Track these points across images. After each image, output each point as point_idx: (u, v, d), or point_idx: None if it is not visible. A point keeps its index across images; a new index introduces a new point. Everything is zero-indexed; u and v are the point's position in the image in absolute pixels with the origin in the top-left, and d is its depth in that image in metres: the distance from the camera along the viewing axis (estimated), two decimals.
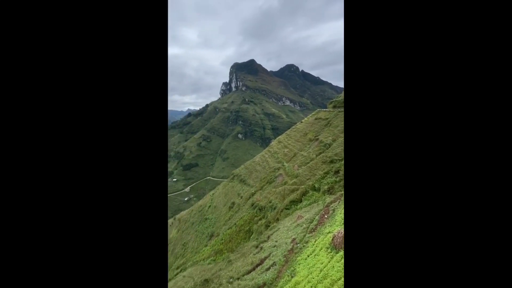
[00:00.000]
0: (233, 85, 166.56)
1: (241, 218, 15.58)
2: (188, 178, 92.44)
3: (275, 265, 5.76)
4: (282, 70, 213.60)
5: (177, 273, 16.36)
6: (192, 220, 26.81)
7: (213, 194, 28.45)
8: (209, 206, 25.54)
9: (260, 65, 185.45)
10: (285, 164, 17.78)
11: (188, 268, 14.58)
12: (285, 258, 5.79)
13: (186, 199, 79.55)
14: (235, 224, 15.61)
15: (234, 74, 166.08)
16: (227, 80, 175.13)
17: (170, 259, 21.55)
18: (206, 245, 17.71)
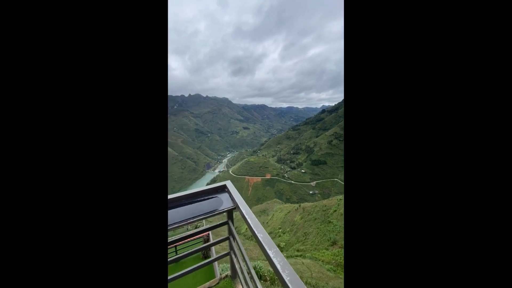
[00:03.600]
0: None
1: None
2: (315, 174, 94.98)
3: None
4: None
5: (297, 255, 18.41)
6: (315, 215, 27.42)
7: (340, 199, 25.70)
8: (335, 210, 23.60)
9: None
10: None
11: (307, 258, 15.49)
12: None
13: (311, 192, 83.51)
14: None
15: None
16: None
17: (292, 238, 24.95)
18: (327, 249, 16.96)
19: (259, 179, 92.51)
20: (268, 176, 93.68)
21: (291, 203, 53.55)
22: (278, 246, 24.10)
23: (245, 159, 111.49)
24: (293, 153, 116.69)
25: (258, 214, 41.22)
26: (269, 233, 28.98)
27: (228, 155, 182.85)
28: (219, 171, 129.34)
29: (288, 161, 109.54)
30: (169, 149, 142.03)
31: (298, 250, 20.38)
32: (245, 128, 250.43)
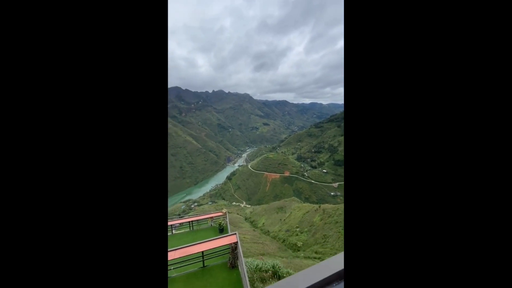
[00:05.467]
0: None
1: None
2: (338, 174, 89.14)
3: None
4: None
5: (315, 257, 17.71)
6: (336, 218, 25.79)
7: None
8: None
9: None
10: None
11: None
12: None
13: (332, 194, 79.08)
14: None
15: None
16: None
17: (310, 239, 24.11)
18: None
19: (277, 175, 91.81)
20: (287, 174, 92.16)
21: (310, 203, 51.65)
22: (295, 245, 23.58)
23: (264, 155, 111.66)
24: (315, 152, 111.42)
25: (275, 211, 41.07)
26: (286, 231, 28.63)
27: (247, 150, 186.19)
28: (238, 165, 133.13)
29: (308, 160, 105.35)
30: (193, 141, 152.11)
31: (316, 252, 19.60)
32: (265, 124, 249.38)
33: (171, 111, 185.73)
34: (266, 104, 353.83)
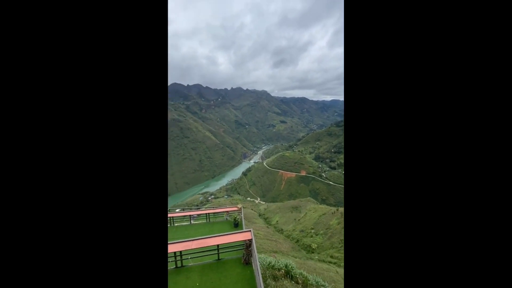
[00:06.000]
0: None
1: None
2: None
3: None
4: None
5: (331, 262, 16.90)
6: None
7: None
8: None
9: None
10: None
11: (342, 267, 13.91)
12: None
13: None
14: None
15: None
16: None
17: (326, 242, 23.06)
18: None
19: (293, 174, 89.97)
20: (303, 173, 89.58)
21: (327, 205, 49.40)
22: (309, 246, 22.90)
23: (280, 153, 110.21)
24: (334, 152, 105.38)
25: (290, 210, 40.43)
26: (300, 231, 27.99)
27: (263, 147, 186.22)
28: (254, 162, 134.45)
29: (327, 160, 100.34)
30: (212, 137, 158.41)
31: (332, 257, 18.69)
32: (282, 121, 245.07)
33: (192, 107, 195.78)
34: (284, 101, 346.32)
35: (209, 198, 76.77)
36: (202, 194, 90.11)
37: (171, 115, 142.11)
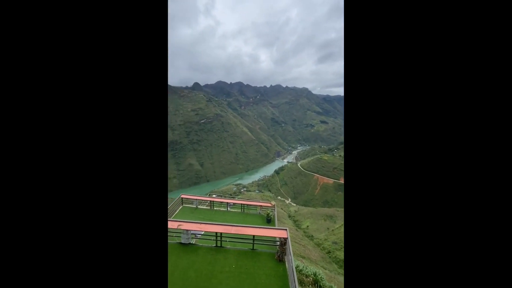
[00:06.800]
0: None
1: None
2: None
3: None
4: None
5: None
6: None
7: None
8: None
9: None
10: None
11: None
12: None
13: None
14: None
15: None
16: None
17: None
18: None
19: (330, 181, 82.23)
20: (342, 181, 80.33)
21: None
22: (342, 261, 20.65)
23: (317, 156, 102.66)
24: None
25: (323, 218, 37.48)
26: (333, 243, 25.55)
27: (298, 148, 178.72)
28: (287, 161, 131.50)
29: None
30: (248, 132, 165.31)
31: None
32: (322, 122, 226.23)
33: (233, 104, 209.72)
34: (326, 99, 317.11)
35: (242, 190, 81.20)
36: (235, 185, 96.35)
37: (215, 110, 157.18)
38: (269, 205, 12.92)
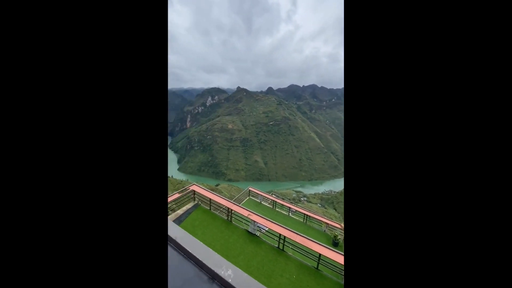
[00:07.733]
0: None
1: None
2: None
3: None
4: None
5: None
6: None
7: None
8: None
9: None
10: None
11: None
12: None
13: None
14: None
15: None
16: None
17: None
18: None
19: None
20: None
21: None
22: None
23: None
24: None
25: None
26: None
27: None
28: None
29: None
30: (316, 139, 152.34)
31: None
32: None
33: (303, 107, 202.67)
34: None
35: (302, 198, 76.67)
36: (296, 191, 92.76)
37: (284, 113, 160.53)
38: (338, 226, 11.00)
